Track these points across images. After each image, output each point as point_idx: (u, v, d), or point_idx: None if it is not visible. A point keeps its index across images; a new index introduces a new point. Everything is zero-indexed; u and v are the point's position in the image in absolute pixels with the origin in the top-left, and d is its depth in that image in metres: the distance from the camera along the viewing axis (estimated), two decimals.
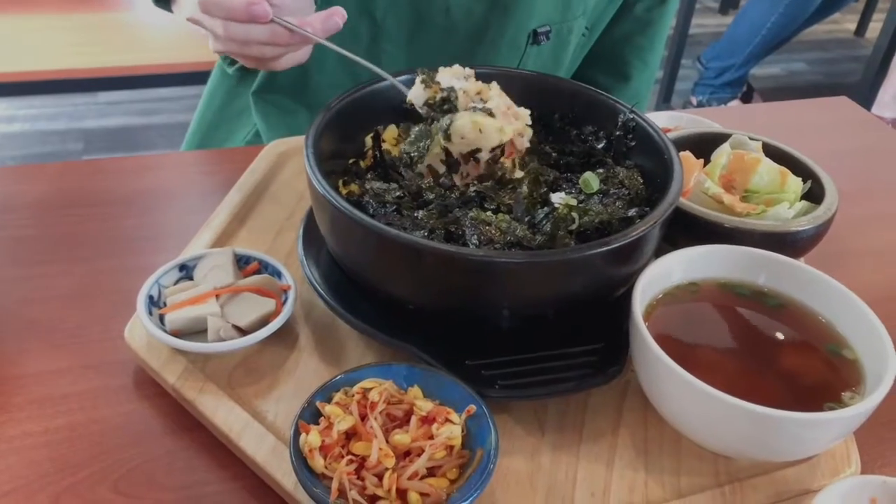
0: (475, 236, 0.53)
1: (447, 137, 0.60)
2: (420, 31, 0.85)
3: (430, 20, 0.84)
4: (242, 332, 0.58)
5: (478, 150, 0.60)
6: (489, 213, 0.56)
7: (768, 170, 0.68)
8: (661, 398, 0.52)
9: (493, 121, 0.60)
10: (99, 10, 2.31)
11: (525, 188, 0.59)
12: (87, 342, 0.62)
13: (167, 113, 2.76)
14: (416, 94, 0.64)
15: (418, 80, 0.64)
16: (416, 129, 0.63)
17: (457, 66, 0.65)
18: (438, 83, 0.63)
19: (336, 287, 0.60)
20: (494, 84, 0.64)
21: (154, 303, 0.59)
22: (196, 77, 2.04)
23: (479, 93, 0.62)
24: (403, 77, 0.67)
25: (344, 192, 0.61)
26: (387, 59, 0.87)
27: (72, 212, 0.76)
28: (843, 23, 3.80)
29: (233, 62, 0.90)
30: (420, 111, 0.63)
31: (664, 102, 3.00)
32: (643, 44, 0.99)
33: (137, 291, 0.59)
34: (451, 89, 0.62)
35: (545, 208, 0.57)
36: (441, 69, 0.65)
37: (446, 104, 0.62)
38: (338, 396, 0.51)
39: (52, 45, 2.11)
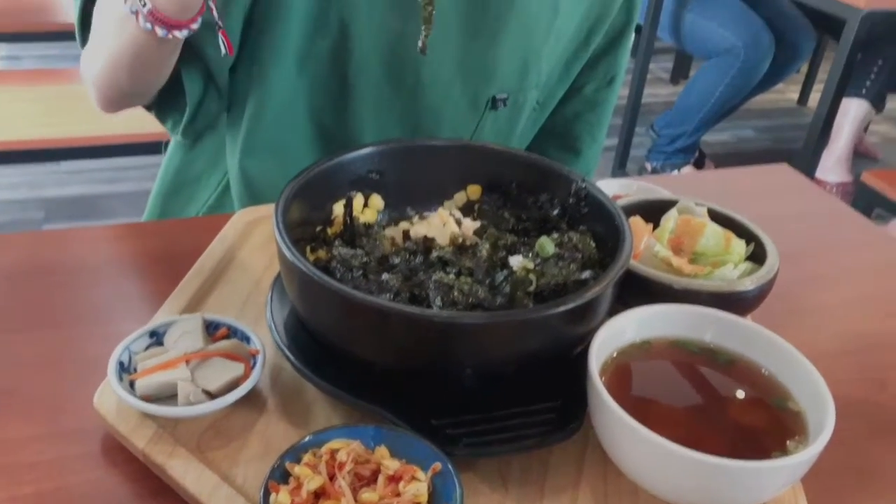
0: (439, 298, 0.56)
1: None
2: (389, 91, 0.89)
3: (400, 80, 0.89)
4: (212, 396, 0.59)
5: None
6: (452, 276, 0.59)
7: (713, 233, 0.72)
8: (618, 452, 0.55)
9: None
10: (65, 83, 2.34)
11: (485, 252, 0.62)
12: (55, 409, 0.62)
13: (131, 181, 2.77)
14: None
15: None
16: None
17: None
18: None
19: (304, 350, 0.62)
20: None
21: (124, 369, 0.60)
22: (160, 147, 2.07)
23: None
24: (371, 149, 0.70)
25: (311, 258, 0.64)
26: (355, 117, 0.90)
27: (41, 280, 0.77)
28: (787, 92, 3.99)
29: (175, 123, 0.90)
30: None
31: (620, 168, 3.11)
32: (592, 121, 1.06)
33: (107, 358, 0.60)
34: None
35: (504, 271, 0.60)
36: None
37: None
38: (306, 457, 0.52)
39: (17, 116, 2.12)
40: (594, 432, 0.57)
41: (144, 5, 0.68)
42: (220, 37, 0.76)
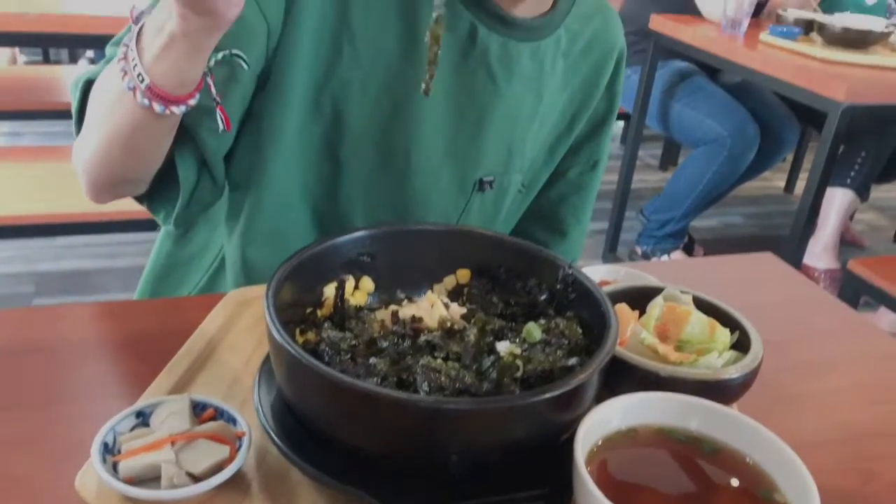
0: (426, 383, 0.56)
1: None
2: (380, 174, 0.92)
3: (391, 164, 0.91)
4: (196, 479, 0.58)
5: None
6: (439, 360, 0.59)
7: (698, 321, 0.73)
8: None
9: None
10: (64, 160, 2.38)
11: (472, 337, 0.63)
12: (36, 490, 0.61)
13: (126, 257, 2.78)
14: None
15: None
16: None
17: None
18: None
19: (290, 434, 0.61)
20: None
21: (108, 450, 0.60)
22: (154, 224, 2.09)
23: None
24: (362, 232, 0.72)
25: (301, 340, 0.64)
26: (346, 199, 0.92)
27: (27, 358, 0.77)
28: (774, 180, 4.08)
29: (167, 214, 0.90)
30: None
31: (610, 251, 3.14)
32: (577, 203, 1.09)
33: (91, 439, 0.60)
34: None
35: (491, 356, 0.61)
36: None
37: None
38: None
39: (16, 192, 2.15)
40: None
41: (142, 81, 0.69)
42: (218, 112, 0.78)
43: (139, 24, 0.71)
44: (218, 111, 0.78)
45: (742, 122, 2.78)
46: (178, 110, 0.73)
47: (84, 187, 0.87)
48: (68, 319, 0.85)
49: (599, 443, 0.60)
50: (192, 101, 0.74)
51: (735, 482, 0.59)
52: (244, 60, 0.79)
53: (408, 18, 0.87)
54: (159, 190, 0.88)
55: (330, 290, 0.70)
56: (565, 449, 0.57)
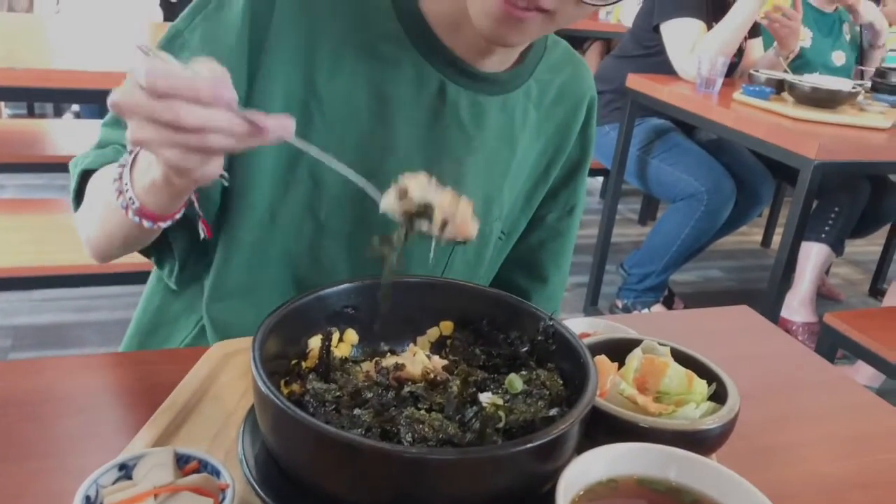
0: (409, 434, 0.57)
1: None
2: (360, 230, 0.93)
3: (370, 219, 0.93)
4: None
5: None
6: (423, 411, 0.60)
7: (676, 373, 0.74)
8: None
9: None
10: (46, 213, 2.39)
11: (455, 388, 0.64)
12: None
13: (103, 310, 2.76)
14: (390, 205, 0.69)
15: (392, 191, 0.69)
16: None
17: (422, 176, 0.70)
18: (412, 199, 0.69)
19: (274, 485, 0.61)
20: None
21: (91, 503, 0.60)
22: (135, 277, 2.09)
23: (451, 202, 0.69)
24: (347, 285, 0.73)
25: (286, 391, 0.65)
26: (327, 255, 0.94)
27: (5, 411, 0.77)
28: (751, 234, 4.15)
29: (171, 271, 0.96)
30: (397, 220, 0.69)
31: (592, 305, 3.16)
32: (556, 249, 1.11)
33: (73, 493, 0.59)
34: (429, 205, 0.68)
35: (474, 407, 0.62)
36: (409, 179, 0.69)
37: (424, 215, 0.68)
38: None
39: None
40: None
41: (133, 203, 0.75)
42: (200, 225, 0.85)
43: (135, 151, 0.76)
44: (200, 224, 0.85)
45: (718, 178, 2.84)
46: (165, 224, 0.79)
47: (88, 254, 0.93)
48: (48, 372, 0.85)
49: (581, 493, 0.60)
50: (178, 216, 0.80)
51: None
52: (225, 178, 0.83)
53: (374, 79, 0.89)
54: (162, 251, 0.93)
55: (315, 342, 0.71)
56: (548, 500, 0.57)
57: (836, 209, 3.03)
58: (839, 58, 3.20)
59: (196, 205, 0.83)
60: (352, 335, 0.75)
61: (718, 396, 0.74)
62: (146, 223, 0.77)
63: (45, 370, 0.86)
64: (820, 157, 2.13)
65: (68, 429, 0.76)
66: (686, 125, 2.97)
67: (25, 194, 3.69)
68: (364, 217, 0.93)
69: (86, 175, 0.89)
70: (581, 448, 0.62)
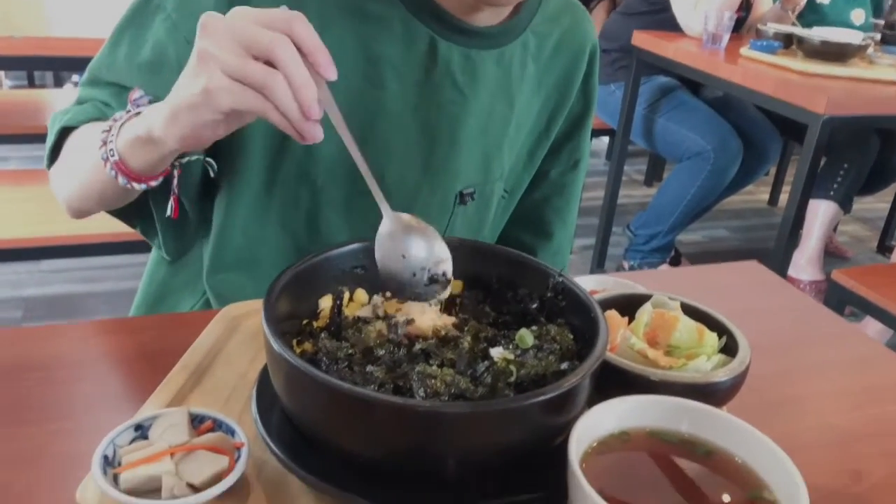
0: (422, 389, 0.57)
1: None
2: (358, 197, 0.92)
3: (366, 186, 0.92)
4: (196, 489, 0.59)
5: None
6: (434, 367, 0.61)
7: (686, 327, 0.74)
8: None
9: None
10: (48, 184, 2.38)
11: (466, 344, 0.64)
12: None
13: (111, 280, 2.77)
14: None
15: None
16: None
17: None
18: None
19: (288, 443, 0.62)
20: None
21: (109, 462, 0.61)
22: (142, 246, 2.09)
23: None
24: (357, 245, 0.73)
25: (298, 350, 0.65)
26: (326, 222, 0.93)
27: (22, 376, 0.77)
28: (758, 193, 4.13)
29: (165, 251, 0.95)
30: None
31: (598, 267, 3.16)
32: (560, 205, 1.09)
33: (89, 454, 0.60)
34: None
35: (485, 362, 0.62)
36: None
37: None
38: None
39: (2, 215, 2.14)
40: None
41: (113, 155, 0.75)
42: (171, 201, 0.83)
43: (136, 111, 0.76)
44: (171, 200, 0.84)
45: (725, 136, 2.82)
46: (139, 187, 0.78)
47: (65, 211, 0.93)
48: (63, 338, 0.86)
49: (594, 445, 0.61)
50: (154, 184, 0.79)
51: (725, 482, 0.60)
52: (213, 168, 0.84)
53: (362, 39, 0.87)
54: (145, 215, 0.91)
55: (325, 302, 0.71)
56: (560, 452, 0.58)
57: (845, 166, 3.01)
58: (858, 16, 3.14)
59: (175, 181, 0.82)
60: (361, 295, 0.75)
61: (729, 350, 0.74)
62: (121, 179, 0.76)
63: (58, 336, 0.86)
64: (829, 112, 2.11)
65: (83, 392, 0.76)
66: (692, 83, 2.94)
67: (29, 165, 3.68)
68: (359, 185, 0.92)
69: (64, 132, 0.88)
70: (592, 402, 0.62)
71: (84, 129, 0.86)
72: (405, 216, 0.72)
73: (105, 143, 0.76)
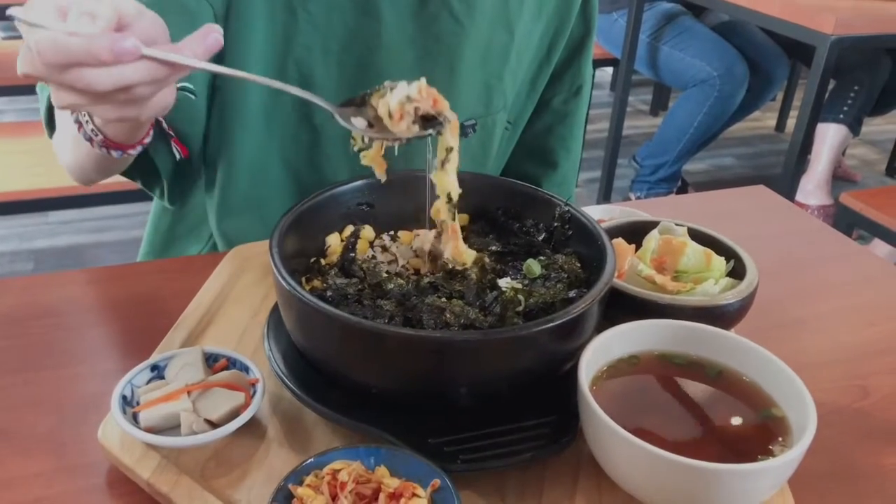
0: (432, 321, 0.58)
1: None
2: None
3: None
4: (214, 425, 0.60)
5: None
6: (443, 299, 0.61)
7: (694, 252, 0.74)
8: (611, 463, 0.56)
9: None
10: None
11: (474, 276, 0.64)
12: (59, 446, 0.63)
13: (119, 230, 2.78)
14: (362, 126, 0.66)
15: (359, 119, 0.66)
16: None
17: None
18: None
19: (302, 378, 0.63)
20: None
21: (127, 402, 0.62)
22: (147, 194, 2.08)
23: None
24: (361, 182, 0.73)
25: (307, 288, 0.66)
26: (327, 161, 0.92)
27: (39, 322, 0.78)
28: (764, 120, 4.07)
29: (161, 192, 0.93)
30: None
31: (604, 199, 3.15)
32: (564, 133, 1.08)
33: (107, 395, 0.61)
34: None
35: (494, 292, 0.62)
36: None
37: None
38: (309, 479, 0.54)
39: (3, 169, 2.14)
40: (588, 447, 0.59)
41: (97, 135, 0.72)
42: (173, 144, 0.82)
43: None
44: (173, 143, 0.82)
45: (731, 61, 2.77)
46: (135, 152, 0.76)
47: (72, 179, 0.93)
48: (73, 285, 0.87)
49: (604, 369, 0.62)
50: (148, 140, 0.76)
51: (734, 401, 0.61)
52: (191, 92, 0.81)
53: None
54: (148, 171, 0.89)
55: (332, 239, 0.72)
56: (570, 378, 0.58)
57: (856, 88, 2.95)
58: None
59: (164, 124, 0.80)
60: (368, 232, 0.75)
61: (737, 273, 0.74)
62: (114, 153, 0.74)
63: (69, 283, 0.87)
64: (837, 32, 2.07)
65: (97, 336, 0.77)
66: (696, 7, 2.87)
67: (27, 118, 3.66)
68: None
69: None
70: (601, 330, 0.63)
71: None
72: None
73: (81, 125, 0.72)
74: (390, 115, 0.64)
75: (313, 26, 0.85)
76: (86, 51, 0.51)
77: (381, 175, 0.70)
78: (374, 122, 0.65)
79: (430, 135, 0.66)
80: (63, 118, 0.82)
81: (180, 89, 0.81)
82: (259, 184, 0.93)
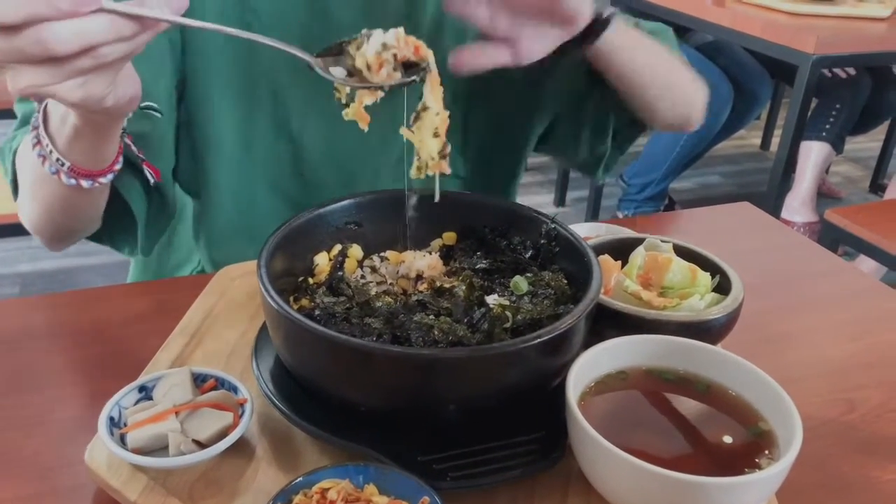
0: (420, 338, 0.58)
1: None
2: (335, 142, 0.92)
3: (342, 130, 0.91)
4: (202, 445, 0.60)
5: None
6: (431, 317, 0.61)
7: (680, 268, 0.75)
8: (599, 478, 0.57)
9: None
10: None
11: (461, 293, 0.65)
12: (45, 469, 0.63)
13: (104, 253, 2.76)
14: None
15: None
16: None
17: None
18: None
19: (290, 397, 0.63)
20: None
21: (115, 424, 0.61)
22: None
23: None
24: (348, 201, 0.73)
25: (295, 307, 0.66)
26: (312, 171, 0.92)
27: (25, 344, 0.78)
28: (750, 138, 4.11)
29: (131, 249, 0.88)
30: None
31: (592, 218, 3.16)
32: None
33: (95, 417, 0.61)
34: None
35: (481, 309, 0.62)
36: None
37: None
38: (297, 498, 0.54)
39: None
40: (577, 463, 0.59)
41: (63, 165, 0.68)
42: (145, 168, 0.78)
43: (42, 105, 0.68)
44: (145, 167, 0.78)
45: (715, 82, 2.80)
46: (106, 180, 0.72)
47: (42, 242, 0.87)
48: (61, 306, 0.86)
49: (592, 385, 0.62)
50: (118, 166, 0.72)
51: (721, 415, 0.61)
52: (156, 110, 0.79)
53: None
54: (114, 227, 0.86)
55: (320, 259, 0.72)
56: (559, 394, 0.59)
57: (838, 106, 3.00)
58: None
59: (133, 147, 0.77)
60: (357, 250, 0.75)
61: (722, 288, 0.75)
62: (84, 183, 0.69)
63: (57, 305, 0.87)
64: (818, 52, 2.09)
65: (85, 358, 0.77)
66: (681, 28, 2.91)
67: None
68: (336, 124, 0.90)
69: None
70: (589, 345, 0.63)
71: (24, 146, 0.78)
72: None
73: (45, 157, 0.68)
74: (368, 67, 0.62)
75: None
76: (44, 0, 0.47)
77: (363, 127, 0.67)
78: (354, 72, 0.63)
79: (413, 81, 0.64)
80: (25, 165, 0.78)
81: (143, 108, 0.79)
82: (246, 207, 0.93)
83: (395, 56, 0.63)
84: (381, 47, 0.62)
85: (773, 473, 0.52)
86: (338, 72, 0.64)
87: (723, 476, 0.51)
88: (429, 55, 0.65)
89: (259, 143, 0.90)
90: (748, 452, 0.57)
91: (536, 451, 0.59)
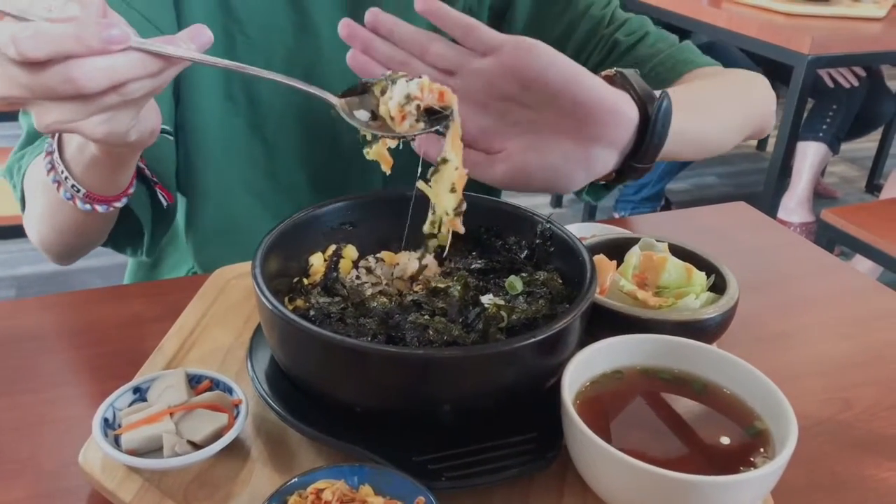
0: (415, 338, 0.58)
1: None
2: (312, 145, 0.92)
3: (319, 133, 0.91)
4: (197, 446, 0.60)
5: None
6: (426, 317, 0.61)
7: (675, 267, 0.75)
8: (595, 478, 0.57)
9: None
10: None
11: (456, 293, 0.65)
12: (39, 471, 0.63)
13: (103, 255, 2.76)
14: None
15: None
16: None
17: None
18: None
19: (285, 398, 0.63)
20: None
21: (109, 425, 0.61)
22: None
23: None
24: (343, 202, 0.73)
25: (290, 307, 0.66)
26: (284, 173, 0.93)
27: (20, 345, 0.78)
28: None
29: (135, 250, 0.89)
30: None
31: (589, 219, 3.16)
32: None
33: (89, 419, 0.61)
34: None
35: (476, 309, 0.62)
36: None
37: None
38: (292, 499, 0.53)
39: None
40: (573, 463, 0.59)
41: (79, 191, 0.68)
42: (158, 191, 0.79)
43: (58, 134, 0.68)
44: (158, 190, 0.79)
45: None
46: (120, 204, 0.72)
47: (47, 258, 0.89)
48: (57, 308, 0.86)
49: (587, 384, 0.62)
50: (132, 190, 0.73)
51: (716, 414, 0.61)
52: (167, 132, 0.80)
53: None
54: (116, 229, 0.86)
55: (315, 259, 0.72)
56: (554, 394, 0.59)
57: (834, 106, 3.01)
58: None
59: (146, 171, 0.77)
60: (351, 251, 0.75)
61: (718, 288, 0.75)
62: (99, 208, 0.70)
63: (52, 306, 0.87)
64: (814, 52, 2.10)
65: (80, 359, 0.77)
66: (677, 29, 2.91)
67: (8, 144, 3.64)
68: (310, 128, 0.90)
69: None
70: (584, 345, 0.63)
71: (35, 166, 0.78)
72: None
73: (60, 183, 0.68)
74: (391, 117, 0.63)
75: (253, 49, 0.86)
76: (74, 37, 0.47)
77: (386, 169, 0.68)
78: (377, 114, 0.64)
79: (437, 131, 0.64)
80: (36, 185, 0.78)
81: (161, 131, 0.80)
82: (226, 210, 0.93)
83: (417, 107, 0.63)
84: (404, 99, 0.62)
85: (768, 472, 0.52)
86: (361, 114, 0.64)
87: (718, 475, 0.51)
88: (453, 101, 0.64)
89: (235, 148, 0.90)
90: (744, 451, 0.57)
91: (532, 450, 0.59)
